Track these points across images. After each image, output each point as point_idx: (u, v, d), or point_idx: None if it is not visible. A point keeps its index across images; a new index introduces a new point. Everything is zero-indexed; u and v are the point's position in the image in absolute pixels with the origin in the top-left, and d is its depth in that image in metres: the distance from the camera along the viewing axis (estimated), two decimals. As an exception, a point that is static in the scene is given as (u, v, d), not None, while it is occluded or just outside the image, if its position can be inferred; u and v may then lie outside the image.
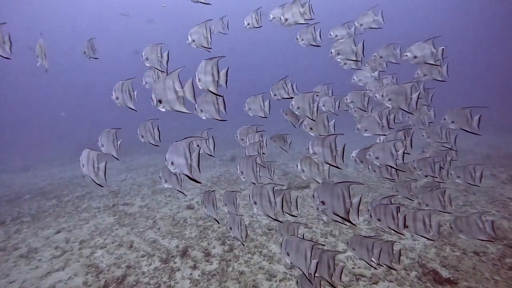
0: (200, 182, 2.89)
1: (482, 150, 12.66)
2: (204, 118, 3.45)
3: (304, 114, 3.79)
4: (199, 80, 2.95)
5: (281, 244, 2.78)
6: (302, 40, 4.22)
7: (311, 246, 2.63)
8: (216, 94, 2.97)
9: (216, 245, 5.44)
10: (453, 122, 3.87)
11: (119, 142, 3.31)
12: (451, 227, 3.33)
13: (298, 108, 3.79)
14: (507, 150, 11.89)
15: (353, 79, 4.65)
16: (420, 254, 4.68)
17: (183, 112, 2.86)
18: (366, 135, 3.72)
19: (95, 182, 3.13)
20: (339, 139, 3.20)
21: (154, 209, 7.38)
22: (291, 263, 2.79)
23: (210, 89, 2.93)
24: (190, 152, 2.61)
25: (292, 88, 4.09)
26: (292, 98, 3.94)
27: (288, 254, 2.72)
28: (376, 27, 4.44)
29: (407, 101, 3.70)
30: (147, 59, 3.80)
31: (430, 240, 3.38)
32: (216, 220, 3.36)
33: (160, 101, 2.84)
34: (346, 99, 4.48)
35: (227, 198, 3.66)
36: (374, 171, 4.02)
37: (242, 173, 3.38)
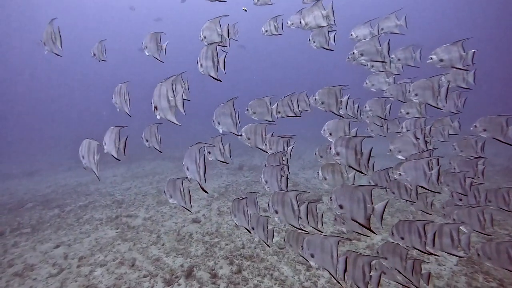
0: (206, 192, 2.67)
1: (502, 161, 12.06)
2: (220, 131, 3.19)
3: (329, 110, 3.46)
4: (201, 65, 3.01)
5: (302, 246, 2.52)
6: (314, 42, 3.93)
7: (337, 242, 2.36)
8: (216, 79, 2.98)
9: (224, 265, 5.06)
10: (485, 130, 3.53)
11: (121, 141, 3.16)
12: (478, 255, 2.91)
13: (322, 103, 3.48)
14: (529, 163, 11.29)
15: (366, 83, 4.31)
16: (449, 282, 4.21)
17: (173, 123, 2.85)
18: (400, 157, 3.34)
19: (95, 174, 3.17)
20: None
21: (159, 222, 7.04)
22: (316, 266, 2.51)
23: (211, 75, 2.98)
24: (199, 159, 2.53)
25: (298, 106, 3.79)
26: (297, 116, 3.72)
27: (312, 256, 2.46)
28: (398, 32, 4.09)
29: (435, 95, 3.39)
30: (146, 47, 3.66)
31: (460, 257, 2.99)
32: (248, 230, 3.08)
33: (156, 108, 2.81)
34: (365, 107, 4.17)
35: (248, 199, 3.44)
36: (393, 193, 3.68)
37: (266, 182, 3.19)
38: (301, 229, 2.68)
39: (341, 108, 3.57)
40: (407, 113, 4.23)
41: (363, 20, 4.14)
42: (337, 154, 2.96)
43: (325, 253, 2.37)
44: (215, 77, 3.00)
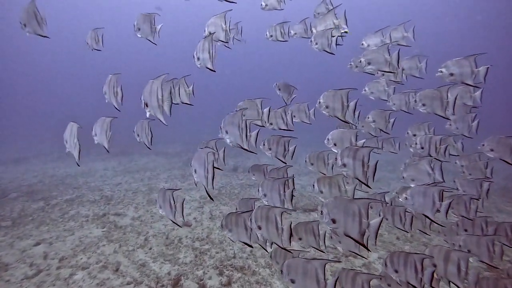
0: (212, 199, 2.81)
1: (499, 180, 11.99)
2: (228, 142, 2.95)
3: (334, 115, 3.22)
4: (198, 59, 3.00)
5: (281, 270, 2.29)
6: (316, 44, 3.73)
7: (323, 266, 2.16)
8: (212, 70, 2.99)
9: (213, 275, 4.80)
10: (492, 150, 3.41)
11: (111, 133, 3.09)
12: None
13: (327, 107, 3.23)
14: (526, 183, 11.23)
15: (365, 90, 4.13)
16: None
17: (161, 122, 2.83)
18: (412, 185, 3.13)
19: (76, 159, 3.16)
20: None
21: (148, 223, 6.75)
22: None
23: (207, 66, 2.99)
24: (208, 164, 2.45)
25: (292, 118, 3.60)
26: (290, 130, 3.53)
27: (292, 282, 2.25)
28: (405, 44, 3.95)
29: (443, 106, 3.24)
30: (139, 29, 3.48)
31: None
32: (249, 245, 2.79)
33: (146, 105, 2.76)
34: (368, 118, 3.99)
35: (244, 206, 3.32)
36: (387, 219, 3.51)
37: (265, 196, 2.99)
38: (284, 249, 2.51)
39: (349, 115, 3.32)
40: (414, 135, 4.06)
41: (370, 26, 3.96)
42: (344, 165, 2.78)
43: (308, 278, 2.19)
44: (212, 68, 3.00)
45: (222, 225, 2.79)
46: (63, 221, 6.67)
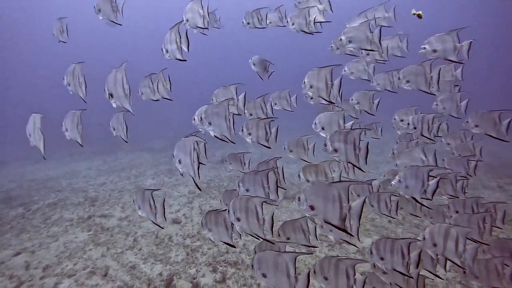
0: (200, 189, 2.64)
1: (483, 157, 12.30)
2: (212, 134, 2.78)
3: (319, 95, 3.06)
4: (166, 51, 2.93)
5: (252, 265, 2.18)
6: (293, 24, 3.59)
7: (294, 259, 2.07)
8: (183, 60, 2.94)
9: (206, 273, 4.69)
10: (476, 126, 3.37)
11: (82, 126, 2.98)
12: (464, 273, 2.67)
13: (311, 86, 3.07)
14: (507, 159, 11.56)
15: (344, 70, 4.02)
16: (444, 291, 4.06)
17: (129, 111, 2.75)
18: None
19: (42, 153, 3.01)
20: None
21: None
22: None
23: (177, 57, 2.92)
24: (194, 153, 2.34)
25: (272, 108, 3.52)
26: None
27: (264, 276, 2.15)
28: (386, 25, 3.83)
29: (427, 81, 3.19)
30: (99, 10, 3.27)
31: (462, 268, 2.78)
32: (231, 245, 2.65)
33: (111, 95, 2.67)
34: (352, 100, 3.88)
35: (229, 198, 3.23)
36: (372, 205, 3.47)
37: (247, 191, 2.81)
38: (267, 240, 2.40)
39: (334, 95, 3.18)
40: (402, 120, 3.98)
41: (356, 11, 3.81)
42: (335, 150, 2.66)
43: (279, 272, 2.09)
44: (182, 58, 2.92)
45: (202, 224, 2.65)
46: (45, 227, 6.37)
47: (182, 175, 2.58)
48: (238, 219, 2.35)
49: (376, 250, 2.53)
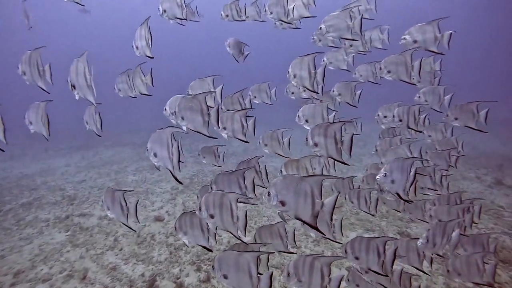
0: (181, 182, 2.37)
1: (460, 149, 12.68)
2: (185, 129, 2.62)
3: (303, 85, 2.98)
4: (137, 48, 2.91)
5: (212, 266, 2.11)
6: (271, 13, 3.46)
7: (256, 259, 2.00)
8: (150, 57, 2.95)
9: (190, 272, 4.57)
10: (456, 119, 3.40)
11: (46, 119, 2.79)
12: (447, 271, 2.68)
13: (294, 76, 2.97)
14: (484, 149, 11.96)
15: (323, 60, 3.97)
16: (427, 284, 4.12)
17: (92, 103, 2.68)
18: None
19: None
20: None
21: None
22: None
23: (147, 54, 2.93)
24: (172, 143, 2.23)
25: (251, 102, 3.46)
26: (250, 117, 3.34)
27: (225, 277, 2.09)
28: (368, 17, 3.78)
29: (408, 71, 3.15)
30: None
31: (426, 274, 2.84)
32: (208, 249, 2.56)
33: (74, 87, 2.58)
34: (333, 91, 3.83)
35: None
36: (352, 202, 3.46)
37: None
38: (240, 239, 2.30)
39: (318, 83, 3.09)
40: (385, 116, 3.96)
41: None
42: (315, 145, 2.58)
43: (241, 272, 2.02)
44: (150, 55, 2.93)
45: (175, 228, 2.51)
46: (18, 229, 6.03)
47: (158, 169, 2.45)
48: (212, 216, 2.24)
49: (351, 250, 2.47)
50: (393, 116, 3.43)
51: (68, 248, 5.28)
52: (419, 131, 3.44)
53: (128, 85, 3.36)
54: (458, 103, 3.41)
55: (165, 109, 2.71)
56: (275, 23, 3.80)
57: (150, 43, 2.92)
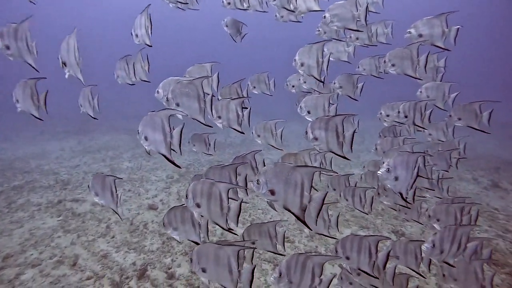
0: (179, 167, 2.28)
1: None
2: (180, 116, 2.52)
3: (310, 74, 2.91)
4: (136, 36, 2.90)
5: (190, 258, 2.02)
6: (282, 17, 3.56)
7: (236, 252, 1.93)
8: (149, 45, 2.92)
9: (182, 263, 4.53)
10: (460, 119, 3.31)
11: (40, 97, 2.66)
12: (443, 275, 2.62)
13: (302, 65, 2.90)
14: (482, 151, 11.96)
15: (324, 51, 3.91)
16: (419, 285, 4.10)
17: (81, 82, 2.63)
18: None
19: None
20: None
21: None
22: (209, 282, 2.08)
23: (146, 43, 2.92)
24: (170, 127, 2.10)
25: (247, 93, 3.41)
26: (245, 108, 3.27)
27: (204, 271, 2.02)
28: (374, 11, 3.66)
29: (413, 65, 3.04)
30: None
31: (423, 277, 2.79)
32: (196, 243, 2.47)
33: (64, 64, 2.52)
34: (334, 83, 3.73)
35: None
36: (347, 200, 3.40)
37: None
38: (229, 231, 2.20)
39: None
40: (388, 115, 3.86)
41: None
42: (315, 139, 2.48)
43: (220, 266, 1.94)
44: (149, 44, 2.92)
45: (164, 223, 2.42)
46: (9, 212, 5.95)
47: (149, 153, 2.34)
48: (198, 205, 2.12)
49: (341, 249, 2.38)
50: (398, 112, 3.31)
51: (60, 233, 5.21)
52: (424, 129, 3.34)
53: (126, 72, 3.28)
54: (461, 103, 3.32)
55: (158, 91, 2.61)
56: (276, 15, 3.69)
57: (149, 31, 2.87)
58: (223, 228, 2.13)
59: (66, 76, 2.59)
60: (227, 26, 3.73)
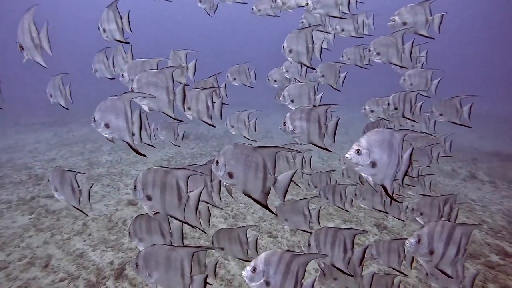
0: (145, 155, 2.14)
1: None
2: (147, 109, 2.37)
3: (299, 60, 2.83)
4: (104, 30, 2.73)
5: (136, 264, 1.83)
6: (259, 10, 3.44)
7: (190, 255, 1.77)
8: (124, 42, 2.77)
9: (162, 261, 4.39)
10: (441, 114, 3.34)
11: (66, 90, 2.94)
12: (426, 274, 2.58)
13: (290, 51, 2.82)
14: (460, 143, 12.26)
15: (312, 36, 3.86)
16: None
17: (40, 64, 2.43)
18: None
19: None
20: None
21: (87, 204, 5.96)
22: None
23: (116, 39, 2.74)
24: (132, 113, 1.95)
25: (226, 90, 3.31)
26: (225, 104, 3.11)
27: (149, 275, 1.85)
28: (359, 0, 3.60)
29: (399, 53, 2.99)
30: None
31: (404, 275, 2.72)
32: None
33: (22, 47, 2.35)
34: (315, 72, 3.63)
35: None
36: (327, 198, 3.39)
37: None
38: (188, 223, 2.00)
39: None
40: (372, 111, 3.80)
41: None
42: (294, 130, 2.33)
43: (172, 270, 1.75)
44: (122, 40, 2.73)
45: (129, 233, 2.21)
46: (-24, 211, 5.60)
47: (112, 141, 2.15)
48: (149, 198, 1.91)
49: (315, 242, 2.26)
50: (388, 104, 3.19)
51: (31, 232, 4.95)
52: (414, 121, 3.28)
53: (106, 66, 3.11)
54: (441, 99, 3.32)
55: (122, 75, 2.43)
56: (252, 8, 3.55)
57: (121, 26, 2.74)
58: (180, 221, 1.93)
59: (25, 59, 2.44)
60: (200, 1, 3.56)
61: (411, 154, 1.75)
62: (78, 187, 2.47)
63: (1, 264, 4.12)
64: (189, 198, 1.87)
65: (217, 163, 1.75)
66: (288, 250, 1.64)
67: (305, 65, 2.87)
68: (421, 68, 3.83)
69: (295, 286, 1.65)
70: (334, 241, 2.23)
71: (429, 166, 3.92)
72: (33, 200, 6.06)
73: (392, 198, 1.89)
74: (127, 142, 1.97)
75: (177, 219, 1.92)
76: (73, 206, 2.52)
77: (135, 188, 1.92)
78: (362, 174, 1.78)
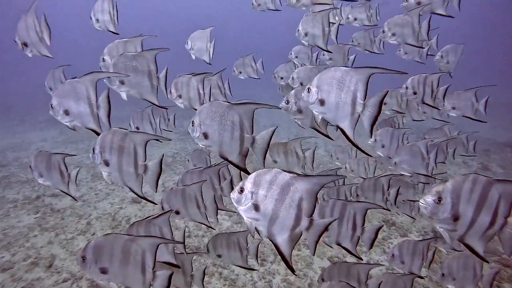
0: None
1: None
2: (124, 96, 2.33)
3: (315, 44, 2.76)
4: (97, 20, 2.66)
5: (83, 257, 1.56)
6: (259, 5, 3.31)
7: (154, 247, 1.57)
8: (115, 33, 2.67)
9: (166, 260, 4.33)
10: (454, 108, 3.07)
11: None
12: (442, 275, 2.41)
13: (306, 34, 2.74)
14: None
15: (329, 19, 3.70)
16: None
17: (48, 57, 2.39)
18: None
19: None
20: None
21: (91, 202, 5.97)
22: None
23: (109, 29, 2.68)
24: (96, 96, 1.80)
25: (229, 87, 3.10)
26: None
27: (103, 272, 1.57)
28: None
29: (415, 33, 2.80)
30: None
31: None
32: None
33: (25, 45, 2.33)
34: (323, 55, 3.49)
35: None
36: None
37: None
38: (144, 198, 1.90)
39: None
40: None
41: None
42: (299, 111, 2.20)
43: (130, 265, 1.51)
44: (114, 31, 2.65)
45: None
46: (-18, 211, 5.64)
47: (74, 129, 2.01)
48: (106, 163, 1.72)
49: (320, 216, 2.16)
50: (406, 88, 2.86)
51: (36, 232, 4.95)
52: (437, 108, 2.96)
53: (111, 16, 3.01)
54: (455, 91, 3.06)
55: (103, 59, 2.31)
56: (252, 3, 3.38)
57: (115, 18, 2.67)
58: (137, 195, 1.76)
59: (30, 55, 2.45)
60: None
61: (382, 98, 1.63)
62: (67, 170, 2.31)
63: (6, 264, 4.12)
64: (146, 168, 1.69)
65: (192, 123, 1.60)
66: (284, 171, 1.32)
67: (321, 48, 2.80)
68: (427, 53, 3.55)
69: (297, 216, 1.32)
70: (342, 215, 2.08)
71: (444, 163, 3.74)
72: (38, 199, 6.08)
73: (356, 146, 1.79)
74: (92, 130, 1.80)
75: (133, 191, 1.73)
76: (61, 191, 2.35)
77: (93, 150, 1.74)
78: (314, 113, 1.70)
